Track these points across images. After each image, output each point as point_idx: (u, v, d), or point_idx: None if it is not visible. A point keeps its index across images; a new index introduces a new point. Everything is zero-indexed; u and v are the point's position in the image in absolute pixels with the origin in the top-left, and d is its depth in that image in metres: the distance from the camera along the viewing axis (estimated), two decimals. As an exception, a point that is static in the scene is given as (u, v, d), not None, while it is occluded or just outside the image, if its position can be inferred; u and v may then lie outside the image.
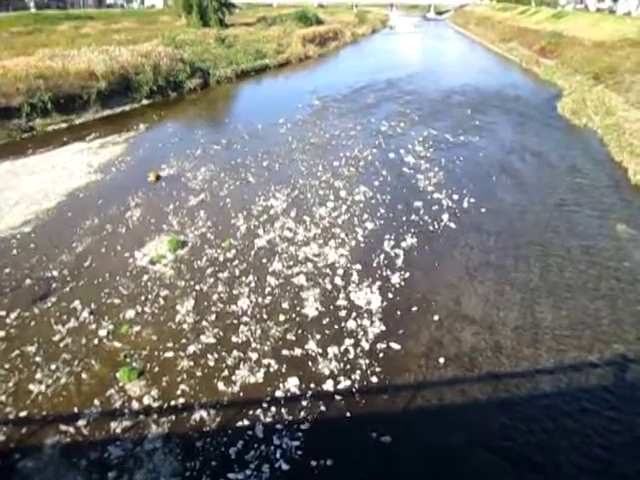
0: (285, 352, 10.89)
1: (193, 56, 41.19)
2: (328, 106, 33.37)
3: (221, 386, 9.99)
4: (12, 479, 8.14)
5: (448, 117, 30.85)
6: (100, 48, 35.91)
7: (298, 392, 9.86)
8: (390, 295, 12.86)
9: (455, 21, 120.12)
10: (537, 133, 27.41)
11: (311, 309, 12.29)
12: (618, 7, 79.76)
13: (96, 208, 17.50)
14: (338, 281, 13.44)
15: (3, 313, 11.91)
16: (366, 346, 11.08)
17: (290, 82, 45.23)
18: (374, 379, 10.18)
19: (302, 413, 9.41)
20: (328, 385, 10.01)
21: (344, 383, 10.07)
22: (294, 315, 12.10)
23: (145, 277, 13.56)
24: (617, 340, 11.29)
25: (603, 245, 15.42)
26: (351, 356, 10.80)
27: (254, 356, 10.75)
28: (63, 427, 9.02)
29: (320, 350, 10.94)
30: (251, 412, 9.41)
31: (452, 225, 16.59)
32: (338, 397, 9.75)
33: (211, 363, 10.58)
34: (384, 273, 13.85)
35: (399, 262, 14.39)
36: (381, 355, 10.84)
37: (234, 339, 11.26)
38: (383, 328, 11.63)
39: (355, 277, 13.63)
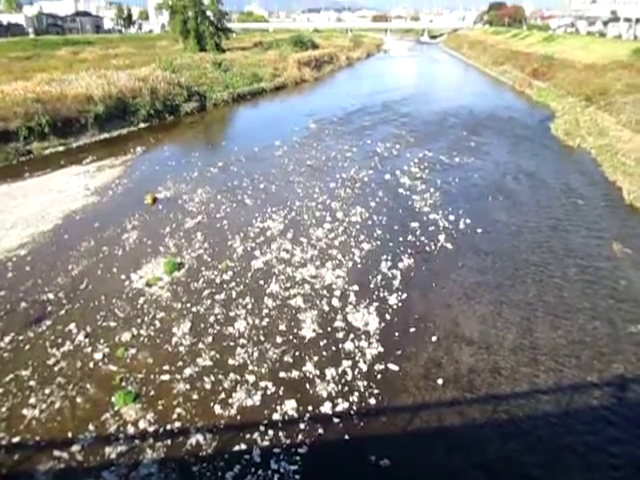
0: (282, 374, 10.79)
1: (190, 80, 41.70)
2: (324, 128, 33.69)
3: (218, 409, 9.86)
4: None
5: (443, 139, 31.15)
6: (98, 73, 36.32)
7: (296, 415, 9.74)
8: (388, 316, 12.81)
9: (448, 45, 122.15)
10: (532, 154, 27.65)
11: (308, 331, 12.22)
12: (608, 30, 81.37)
13: (92, 230, 17.49)
14: (335, 302, 13.39)
15: (-3, 337, 11.80)
16: (364, 368, 10.99)
17: (286, 105, 45.72)
18: (372, 401, 10.08)
19: (300, 436, 9.28)
20: (326, 407, 9.90)
21: (342, 405, 9.95)
22: (291, 337, 12.02)
23: (141, 299, 13.49)
24: (616, 360, 11.22)
25: (599, 264, 15.44)
26: (349, 378, 10.70)
27: (251, 379, 10.64)
28: (57, 453, 8.86)
29: (318, 372, 10.85)
30: (248, 436, 9.28)
31: (448, 246, 16.62)
32: (336, 420, 9.64)
33: (208, 386, 10.46)
34: (381, 294, 13.81)
35: (396, 283, 14.37)
36: (379, 377, 10.75)
37: (231, 361, 11.16)
38: (381, 349, 11.55)
39: (352, 298, 13.59)
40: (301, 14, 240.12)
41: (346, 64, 79.93)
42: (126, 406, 9.85)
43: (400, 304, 13.36)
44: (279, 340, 11.87)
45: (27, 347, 11.51)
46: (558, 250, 16.35)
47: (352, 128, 34.01)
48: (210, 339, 11.88)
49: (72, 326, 12.22)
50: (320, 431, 9.37)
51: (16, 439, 9.13)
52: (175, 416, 9.68)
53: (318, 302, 13.42)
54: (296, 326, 12.42)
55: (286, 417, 9.69)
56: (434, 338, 11.98)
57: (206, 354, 11.37)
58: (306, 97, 50.26)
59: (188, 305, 13.24)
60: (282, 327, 12.36)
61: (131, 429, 9.38)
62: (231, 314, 12.87)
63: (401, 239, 17.06)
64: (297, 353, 11.44)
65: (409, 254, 15.99)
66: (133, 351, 11.44)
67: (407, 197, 20.93)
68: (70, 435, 9.23)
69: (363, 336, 12.02)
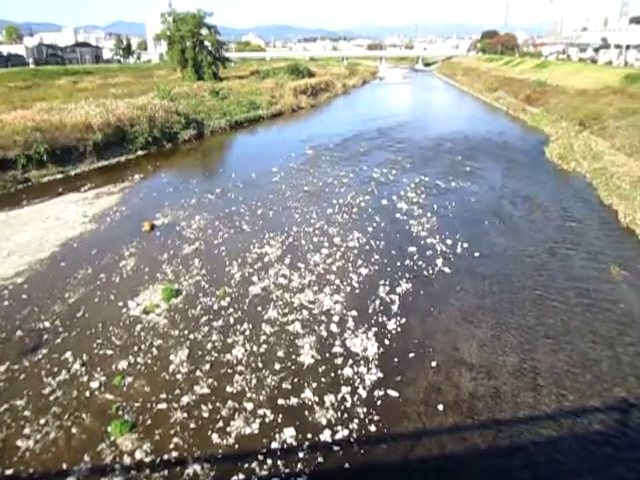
0: (281, 401, 10.66)
1: (188, 108, 42.19)
2: (321, 155, 33.97)
3: (215, 438, 9.71)
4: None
5: (439, 164, 31.41)
6: (97, 101, 36.76)
7: (295, 443, 9.59)
8: (386, 341, 12.72)
9: (443, 72, 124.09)
10: (527, 178, 27.85)
11: (307, 357, 12.11)
12: (600, 56, 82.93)
13: (90, 258, 17.45)
14: (334, 328, 13.31)
15: (-8, 366, 11.67)
16: (363, 394, 10.86)
17: (283, 132, 46.16)
18: (372, 428, 9.94)
19: (299, 465, 9.11)
20: (325, 435, 9.75)
21: (342, 433, 9.81)
22: (290, 363, 11.91)
23: (138, 327, 13.39)
24: (617, 384, 11.13)
25: (598, 287, 15.43)
26: (348, 404, 10.57)
27: (249, 406, 10.51)
28: (51, 485, 8.70)
29: (317, 399, 10.72)
30: (246, 465, 9.11)
31: (446, 270, 16.61)
32: (336, 447, 9.48)
33: (205, 414, 10.32)
34: (380, 319, 13.74)
35: (395, 308, 14.31)
36: (379, 403, 10.62)
37: (229, 389, 11.04)
38: (380, 375, 11.44)
39: (351, 324, 13.51)
40: (297, 43, 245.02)
41: (342, 91, 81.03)
42: (122, 436, 9.69)
43: (399, 329, 13.28)
44: (277, 367, 11.75)
45: (22, 376, 11.37)
46: (556, 274, 16.35)
47: (348, 154, 34.30)
48: (208, 366, 11.75)
49: (68, 354, 12.10)
50: (320, 460, 9.22)
51: (9, 471, 8.94)
52: (172, 446, 9.52)
53: (316, 328, 13.34)
54: (294, 352, 12.31)
55: (285, 445, 9.54)
56: (434, 363, 11.88)
57: (204, 382, 11.24)
58: (302, 124, 50.78)
59: (185, 332, 13.14)
60: (280, 353, 12.25)
61: (127, 459, 9.20)
62: (229, 341, 12.76)
63: (399, 264, 17.05)
64: (296, 380, 11.32)
65: (407, 278, 15.97)
66: (130, 379, 11.30)
67: (404, 222, 20.99)
68: (65, 466, 9.05)
69: (362, 362, 11.91)
